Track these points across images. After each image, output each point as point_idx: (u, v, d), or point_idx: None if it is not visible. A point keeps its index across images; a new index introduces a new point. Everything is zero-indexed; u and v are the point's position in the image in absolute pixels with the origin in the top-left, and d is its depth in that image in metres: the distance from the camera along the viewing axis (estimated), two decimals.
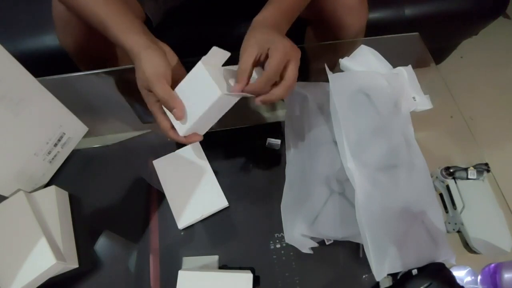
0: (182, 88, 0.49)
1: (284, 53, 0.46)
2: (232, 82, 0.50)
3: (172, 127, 0.51)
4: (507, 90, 1.46)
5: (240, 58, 0.48)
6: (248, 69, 0.47)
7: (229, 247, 0.55)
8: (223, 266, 0.53)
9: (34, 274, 0.46)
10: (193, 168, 0.59)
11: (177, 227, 0.55)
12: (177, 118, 0.49)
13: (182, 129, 0.50)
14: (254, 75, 0.51)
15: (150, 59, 0.48)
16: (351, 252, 0.54)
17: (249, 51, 0.47)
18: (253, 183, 0.61)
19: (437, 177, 0.59)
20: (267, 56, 0.47)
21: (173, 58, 0.55)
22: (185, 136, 0.51)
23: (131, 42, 0.50)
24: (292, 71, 0.47)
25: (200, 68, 0.48)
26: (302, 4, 0.59)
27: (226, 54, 0.50)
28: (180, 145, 0.60)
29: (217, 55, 0.50)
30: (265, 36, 0.48)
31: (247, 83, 0.48)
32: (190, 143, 0.53)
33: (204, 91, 0.47)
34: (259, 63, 0.49)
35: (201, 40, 0.90)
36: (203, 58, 0.48)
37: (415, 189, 0.53)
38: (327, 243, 0.54)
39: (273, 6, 0.54)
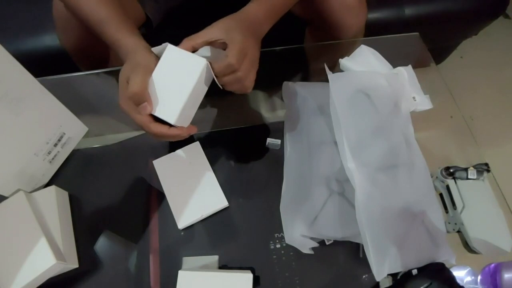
0: (158, 74, 0.48)
1: (241, 48, 0.47)
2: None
3: (153, 120, 0.48)
4: (507, 90, 1.46)
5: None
6: (198, 39, 0.48)
7: (229, 247, 0.55)
8: (223, 266, 0.53)
9: (34, 274, 0.46)
10: (193, 168, 0.59)
11: (177, 227, 0.55)
12: (145, 113, 0.47)
13: (172, 115, 0.47)
14: (207, 52, 0.51)
15: (145, 54, 0.49)
16: (351, 252, 0.54)
17: (208, 30, 0.49)
18: (253, 183, 0.60)
19: (437, 177, 0.59)
20: (221, 45, 0.49)
21: None
22: (177, 127, 0.48)
23: (131, 40, 0.50)
24: (245, 65, 0.48)
25: (172, 50, 0.48)
26: (289, 3, 0.58)
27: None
28: (179, 144, 0.60)
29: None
30: (232, 28, 0.49)
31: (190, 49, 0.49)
32: (185, 136, 0.50)
33: (186, 67, 0.48)
34: (214, 45, 0.50)
35: None
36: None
37: (415, 189, 0.53)
38: (327, 243, 0.54)
39: (257, 2, 0.54)
